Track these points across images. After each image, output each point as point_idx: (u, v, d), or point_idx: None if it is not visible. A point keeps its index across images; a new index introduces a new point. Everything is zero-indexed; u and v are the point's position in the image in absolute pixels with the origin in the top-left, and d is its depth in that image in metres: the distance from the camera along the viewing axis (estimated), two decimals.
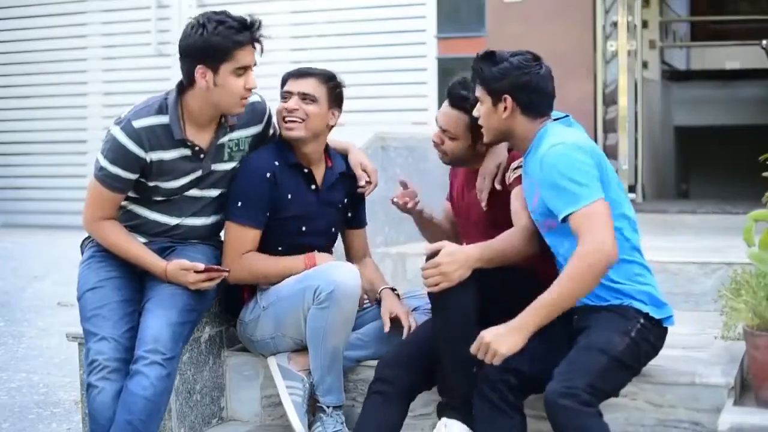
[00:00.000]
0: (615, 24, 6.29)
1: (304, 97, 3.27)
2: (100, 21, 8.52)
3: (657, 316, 2.85)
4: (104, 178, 3.11)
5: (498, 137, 2.99)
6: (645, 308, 2.83)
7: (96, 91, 8.53)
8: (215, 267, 3.16)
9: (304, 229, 3.34)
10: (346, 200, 3.45)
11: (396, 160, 5.30)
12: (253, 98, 3.24)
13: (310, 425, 3.26)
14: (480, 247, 2.93)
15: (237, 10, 3.16)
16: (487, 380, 2.80)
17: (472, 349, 2.73)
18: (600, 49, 6.45)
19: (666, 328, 2.91)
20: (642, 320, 2.82)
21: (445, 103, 3.21)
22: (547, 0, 6.72)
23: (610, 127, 6.40)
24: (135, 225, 3.25)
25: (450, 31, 7.28)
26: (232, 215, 3.26)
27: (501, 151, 3.16)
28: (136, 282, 3.21)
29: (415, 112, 7.53)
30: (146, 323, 3.03)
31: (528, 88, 2.89)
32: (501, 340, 2.68)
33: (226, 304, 3.52)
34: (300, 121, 3.26)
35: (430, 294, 2.94)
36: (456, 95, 3.17)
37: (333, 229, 3.45)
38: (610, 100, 6.38)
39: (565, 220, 2.75)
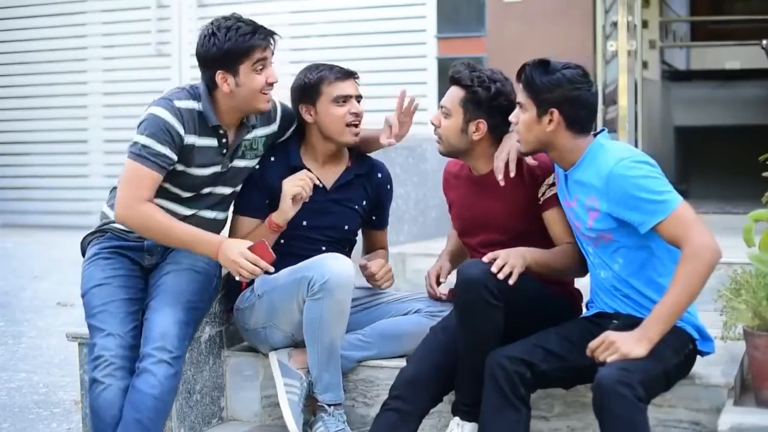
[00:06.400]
0: (615, 24, 6.27)
1: (360, 98, 3.46)
2: (100, 21, 8.51)
3: (700, 348, 2.89)
4: (147, 155, 3.06)
5: (536, 148, 2.93)
6: (695, 334, 2.86)
7: (96, 91, 8.52)
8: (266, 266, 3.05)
9: (305, 223, 3.37)
10: (365, 203, 3.48)
11: (396, 160, 5.30)
12: None
13: (310, 425, 3.26)
14: (529, 248, 2.94)
15: (237, 10, 3.21)
16: (503, 368, 2.76)
17: (593, 343, 2.67)
18: (600, 49, 6.44)
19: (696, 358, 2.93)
20: (691, 345, 2.85)
21: None
22: (547, 0, 6.72)
23: (610, 127, 6.37)
24: None
25: (450, 31, 7.27)
26: (238, 196, 3.40)
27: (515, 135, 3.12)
28: (141, 281, 3.22)
29: (415, 112, 7.51)
30: (153, 321, 3.03)
31: (578, 103, 2.84)
32: (629, 344, 2.62)
33: (227, 291, 3.52)
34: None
35: (457, 306, 2.90)
36: (454, 71, 3.17)
37: (346, 227, 3.46)
38: (610, 100, 6.37)
39: (646, 229, 2.73)
